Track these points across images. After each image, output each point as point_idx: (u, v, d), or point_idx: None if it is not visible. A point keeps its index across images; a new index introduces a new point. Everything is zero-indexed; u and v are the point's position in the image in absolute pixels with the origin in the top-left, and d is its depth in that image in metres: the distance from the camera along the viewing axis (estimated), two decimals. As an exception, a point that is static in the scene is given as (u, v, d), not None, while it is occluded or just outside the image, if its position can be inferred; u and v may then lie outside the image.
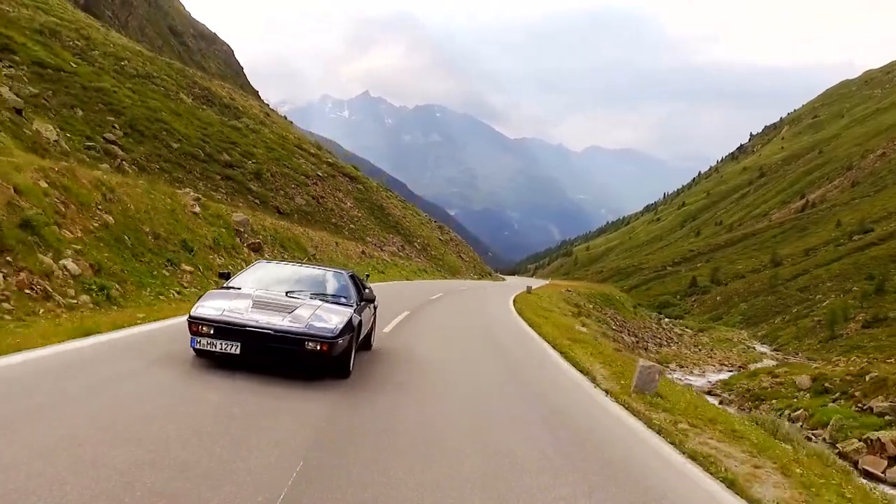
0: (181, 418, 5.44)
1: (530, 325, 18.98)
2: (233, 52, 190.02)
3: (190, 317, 7.31)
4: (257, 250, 17.46)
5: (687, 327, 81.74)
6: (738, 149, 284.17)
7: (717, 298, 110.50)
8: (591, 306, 41.55)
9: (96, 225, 11.59)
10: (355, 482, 4.60)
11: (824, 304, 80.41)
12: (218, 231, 16.39)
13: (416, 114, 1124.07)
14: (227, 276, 9.29)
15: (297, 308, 7.68)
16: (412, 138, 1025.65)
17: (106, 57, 35.34)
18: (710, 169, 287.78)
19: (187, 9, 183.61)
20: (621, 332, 40.79)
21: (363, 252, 33.70)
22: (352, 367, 8.08)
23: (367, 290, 9.96)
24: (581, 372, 11.36)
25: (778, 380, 30.74)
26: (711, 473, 6.27)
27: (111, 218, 11.98)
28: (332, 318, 7.62)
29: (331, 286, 9.10)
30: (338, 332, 7.36)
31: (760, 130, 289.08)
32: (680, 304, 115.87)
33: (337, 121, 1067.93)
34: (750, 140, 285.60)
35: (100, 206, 12.03)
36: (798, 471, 6.95)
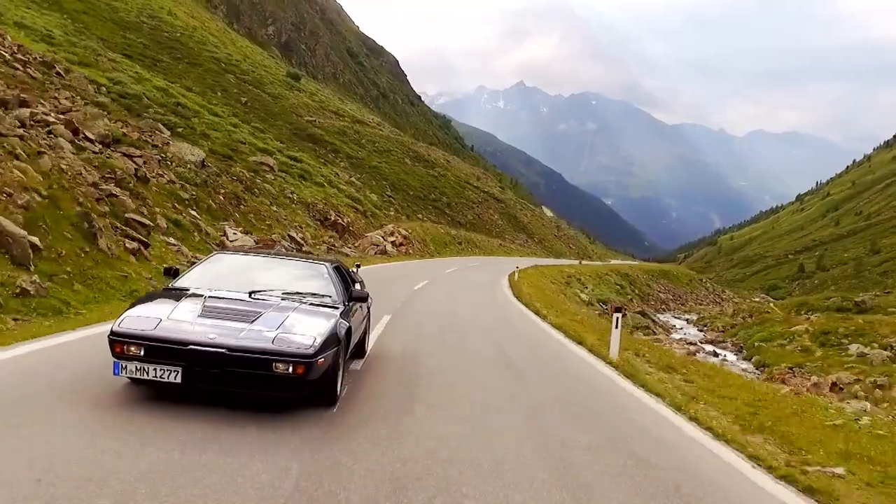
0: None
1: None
2: (398, 62, 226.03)
3: (111, 333, 5.40)
4: (460, 244, 46.77)
5: (770, 300, 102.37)
6: (893, 136, 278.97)
7: (815, 282, 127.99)
8: (645, 277, 67.66)
9: (449, 238, 41.71)
10: None
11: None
12: (449, 238, 46.10)
13: (571, 102, 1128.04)
14: (173, 273, 7.16)
15: (262, 315, 5.87)
16: (567, 127, 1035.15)
17: (368, 142, 67.16)
18: (863, 158, 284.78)
19: (356, 23, 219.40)
20: (660, 293, 66.77)
21: (501, 244, 63.11)
22: (340, 391, 6.28)
23: (356, 286, 8.11)
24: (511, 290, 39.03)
25: (721, 312, 56.55)
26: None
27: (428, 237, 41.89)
28: (310, 328, 5.80)
29: (309, 283, 7.21)
30: (318, 346, 5.51)
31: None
32: (785, 287, 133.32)
33: (492, 112, 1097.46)
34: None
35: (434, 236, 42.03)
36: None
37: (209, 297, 6.24)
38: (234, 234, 17.47)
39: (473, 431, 5.85)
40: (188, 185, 18.64)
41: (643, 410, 7.65)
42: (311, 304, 6.67)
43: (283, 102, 64.53)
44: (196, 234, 16.24)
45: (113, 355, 5.36)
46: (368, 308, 8.91)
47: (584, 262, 63.85)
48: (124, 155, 17.20)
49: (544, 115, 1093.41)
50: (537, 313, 17.40)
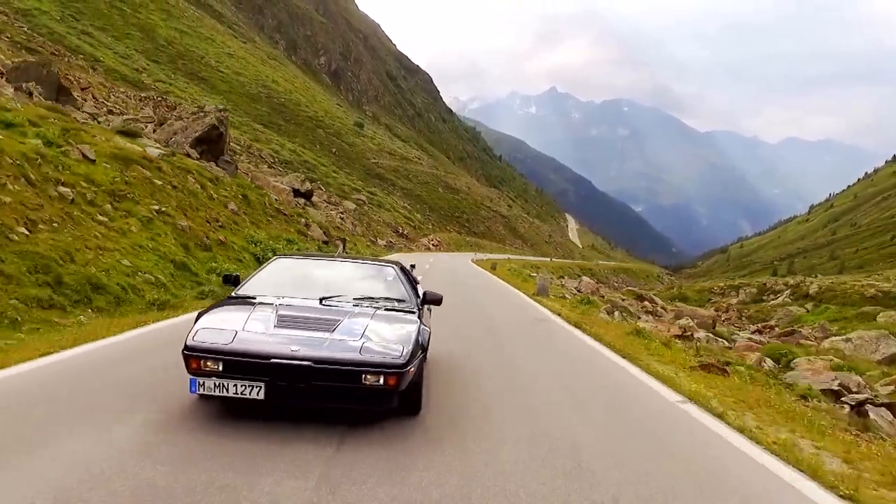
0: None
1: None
2: (431, 79, 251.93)
3: (186, 348, 5.07)
4: (471, 246, 75.20)
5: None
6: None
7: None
8: (606, 272, 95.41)
9: (464, 242, 70.42)
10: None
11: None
12: (464, 242, 74.58)
13: (603, 108, 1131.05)
14: (234, 281, 6.94)
15: (340, 323, 5.53)
16: (599, 133, 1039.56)
17: (413, 177, 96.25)
18: (874, 171, 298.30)
19: (393, 40, 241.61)
20: (616, 283, 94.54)
21: (499, 246, 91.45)
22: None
23: (419, 286, 7.85)
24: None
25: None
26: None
27: (449, 241, 70.78)
28: (395, 336, 5.47)
29: (380, 286, 6.88)
30: (407, 355, 5.18)
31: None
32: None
33: (524, 117, 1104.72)
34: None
35: (455, 240, 70.92)
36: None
37: (280, 304, 5.93)
38: (381, 241, 46.14)
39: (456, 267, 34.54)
40: (356, 221, 47.38)
41: (495, 280, 36.30)
42: (388, 308, 6.28)
43: (356, 149, 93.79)
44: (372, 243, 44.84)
45: (189, 371, 5.03)
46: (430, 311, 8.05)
47: (554, 259, 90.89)
48: (336, 210, 46.28)
49: (576, 120, 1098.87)
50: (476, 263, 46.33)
